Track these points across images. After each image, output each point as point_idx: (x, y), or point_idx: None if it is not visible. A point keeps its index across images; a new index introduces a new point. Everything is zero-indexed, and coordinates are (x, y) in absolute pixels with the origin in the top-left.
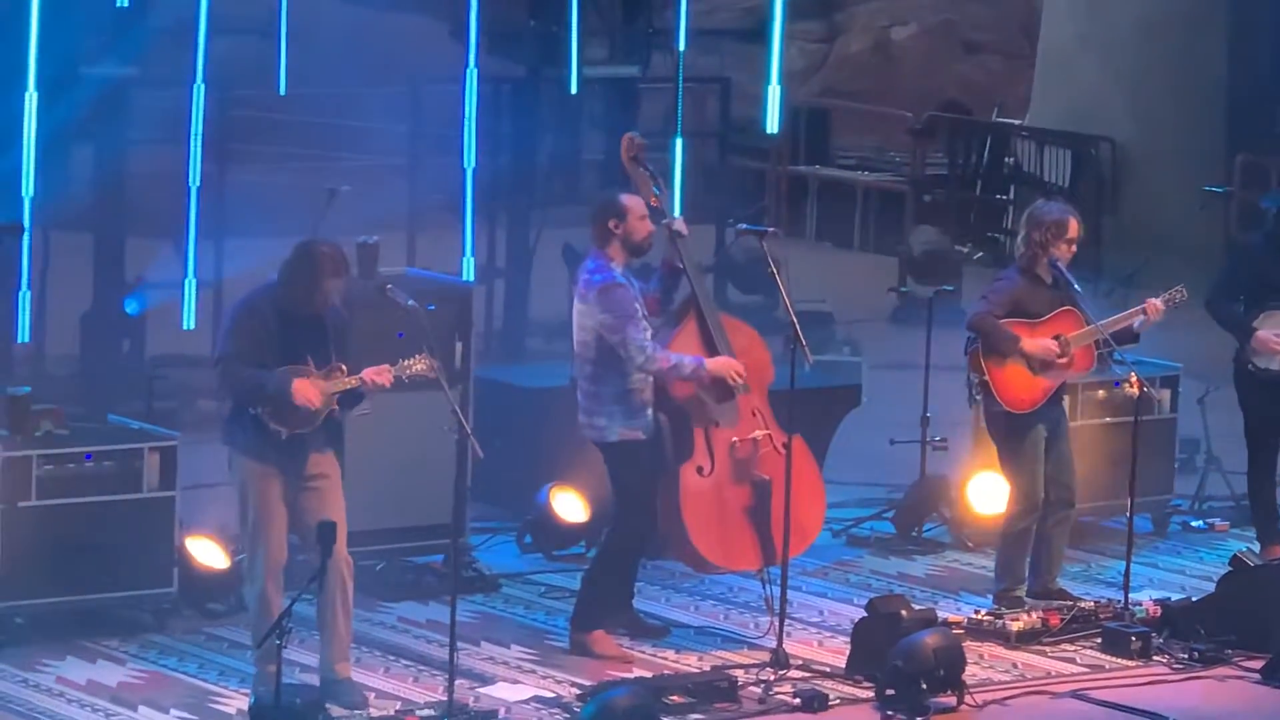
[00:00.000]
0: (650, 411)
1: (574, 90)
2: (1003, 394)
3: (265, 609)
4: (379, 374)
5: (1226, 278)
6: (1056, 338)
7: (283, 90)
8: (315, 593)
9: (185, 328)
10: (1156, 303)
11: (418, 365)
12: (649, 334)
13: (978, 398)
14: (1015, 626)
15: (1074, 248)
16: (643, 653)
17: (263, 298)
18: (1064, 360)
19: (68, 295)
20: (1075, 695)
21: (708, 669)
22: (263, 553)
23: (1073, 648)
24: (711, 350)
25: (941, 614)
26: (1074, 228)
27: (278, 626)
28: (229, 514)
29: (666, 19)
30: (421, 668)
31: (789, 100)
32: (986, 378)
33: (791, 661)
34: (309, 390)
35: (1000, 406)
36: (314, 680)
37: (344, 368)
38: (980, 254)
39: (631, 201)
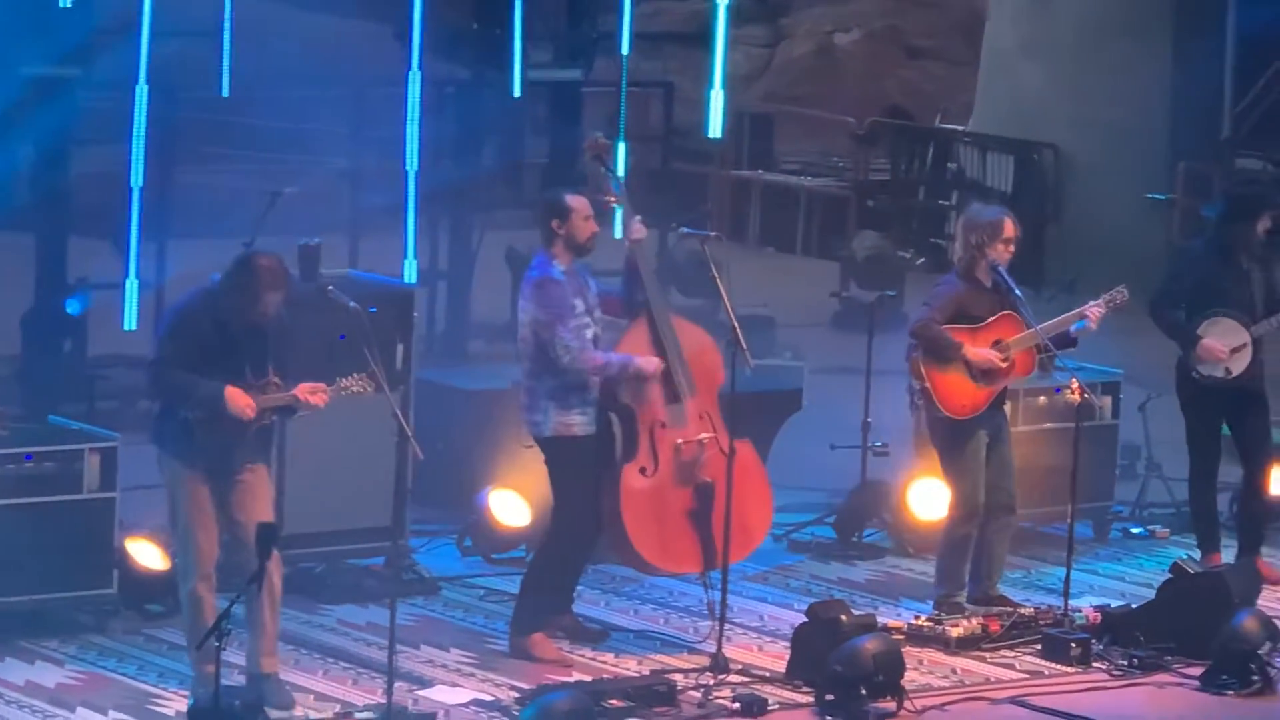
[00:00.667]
0: (592, 408)
1: (517, 94)
2: (944, 400)
3: (197, 609)
4: (313, 393)
5: (1169, 285)
6: (997, 343)
7: (226, 92)
8: (250, 592)
9: (126, 329)
10: (1096, 309)
11: (355, 385)
12: (590, 333)
13: (919, 404)
14: (955, 632)
15: (1011, 249)
16: (582, 656)
17: (200, 304)
18: (1005, 365)
19: (8, 295)
20: (1014, 701)
21: (647, 673)
22: (193, 552)
23: (1012, 654)
24: (659, 352)
25: (881, 619)
26: (1009, 228)
27: (217, 628)
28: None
29: (610, 23)
30: (360, 670)
31: (732, 105)
32: (928, 384)
33: (731, 666)
34: (242, 399)
35: (942, 413)
36: None
37: (279, 381)
38: (922, 259)
39: (576, 201)
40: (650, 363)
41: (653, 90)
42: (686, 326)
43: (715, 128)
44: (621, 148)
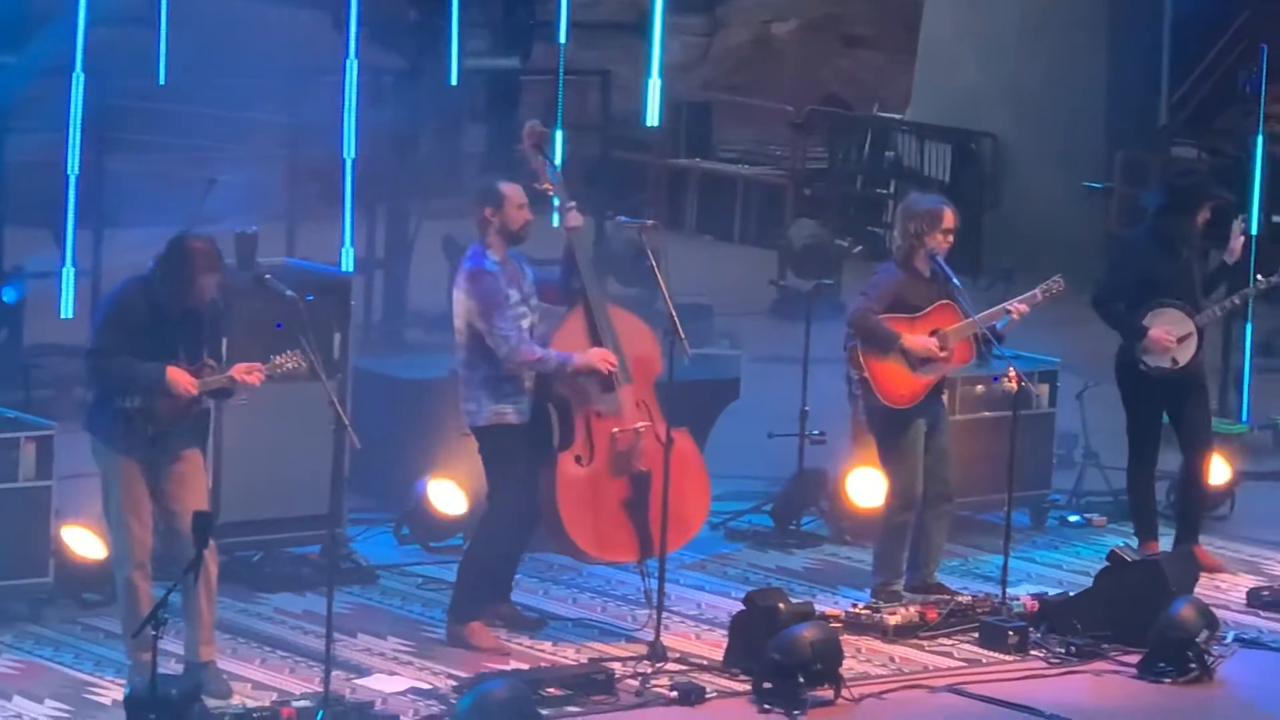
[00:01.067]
0: (527, 397)
1: (454, 82)
2: (882, 389)
3: (132, 596)
4: (249, 372)
5: (1111, 276)
6: (935, 332)
7: (162, 79)
8: (186, 581)
9: (63, 316)
10: (1022, 305)
11: (289, 363)
12: (527, 322)
13: (857, 393)
14: (893, 620)
15: (950, 239)
16: (520, 645)
17: (135, 290)
18: (943, 355)
19: None
20: (952, 690)
21: (585, 661)
22: (127, 541)
23: (950, 642)
24: (595, 341)
25: (819, 608)
26: (949, 218)
27: (153, 617)
28: None
29: (547, 11)
30: (298, 659)
31: (670, 93)
32: (866, 373)
33: (669, 654)
34: (184, 378)
35: (880, 402)
36: None
37: (214, 364)
38: (860, 248)
39: (509, 189)
40: (590, 356)
41: (590, 79)
42: (622, 315)
43: (653, 116)
44: (559, 136)
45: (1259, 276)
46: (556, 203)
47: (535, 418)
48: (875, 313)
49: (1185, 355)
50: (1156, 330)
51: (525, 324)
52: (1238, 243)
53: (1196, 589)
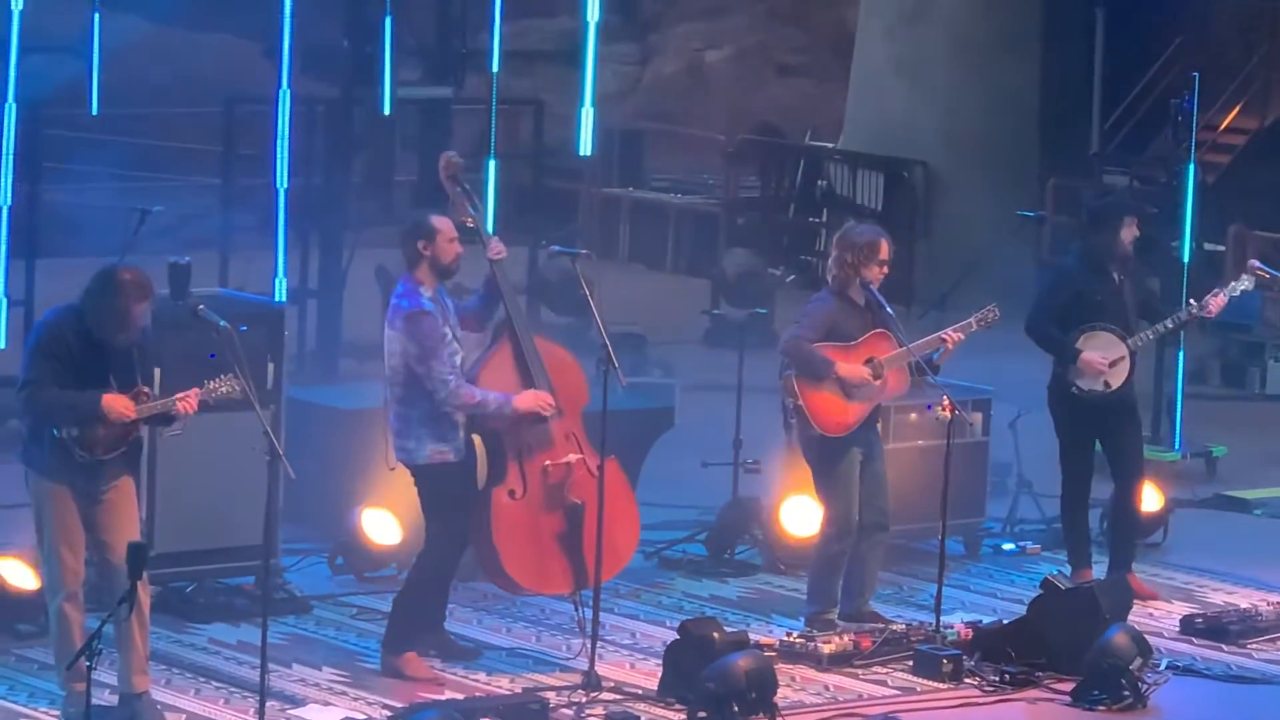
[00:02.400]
0: (461, 433)
1: (387, 111)
2: (817, 418)
3: (64, 627)
4: (185, 398)
5: (1043, 300)
6: (869, 360)
7: (95, 110)
8: (119, 612)
9: None
10: (956, 334)
11: (223, 387)
12: (459, 358)
13: (792, 421)
14: (827, 649)
15: (885, 269)
16: (454, 675)
17: (65, 320)
18: (877, 383)
19: None
20: (887, 718)
21: (519, 691)
22: (59, 571)
23: (884, 670)
24: (524, 374)
25: (753, 636)
26: (885, 249)
27: (87, 648)
28: None
29: (480, 40)
30: (233, 690)
31: (602, 122)
32: (800, 402)
33: (603, 684)
34: (120, 402)
35: (815, 430)
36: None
37: (148, 390)
38: (793, 276)
39: (440, 223)
40: (528, 399)
41: (523, 108)
42: (549, 346)
43: (585, 145)
44: (492, 165)
45: (1190, 301)
46: (480, 232)
47: (467, 454)
48: (809, 341)
49: (1117, 379)
50: (1089, 353)
51: (457, 360)
52: (1217, 301)
53: (1130, 616)
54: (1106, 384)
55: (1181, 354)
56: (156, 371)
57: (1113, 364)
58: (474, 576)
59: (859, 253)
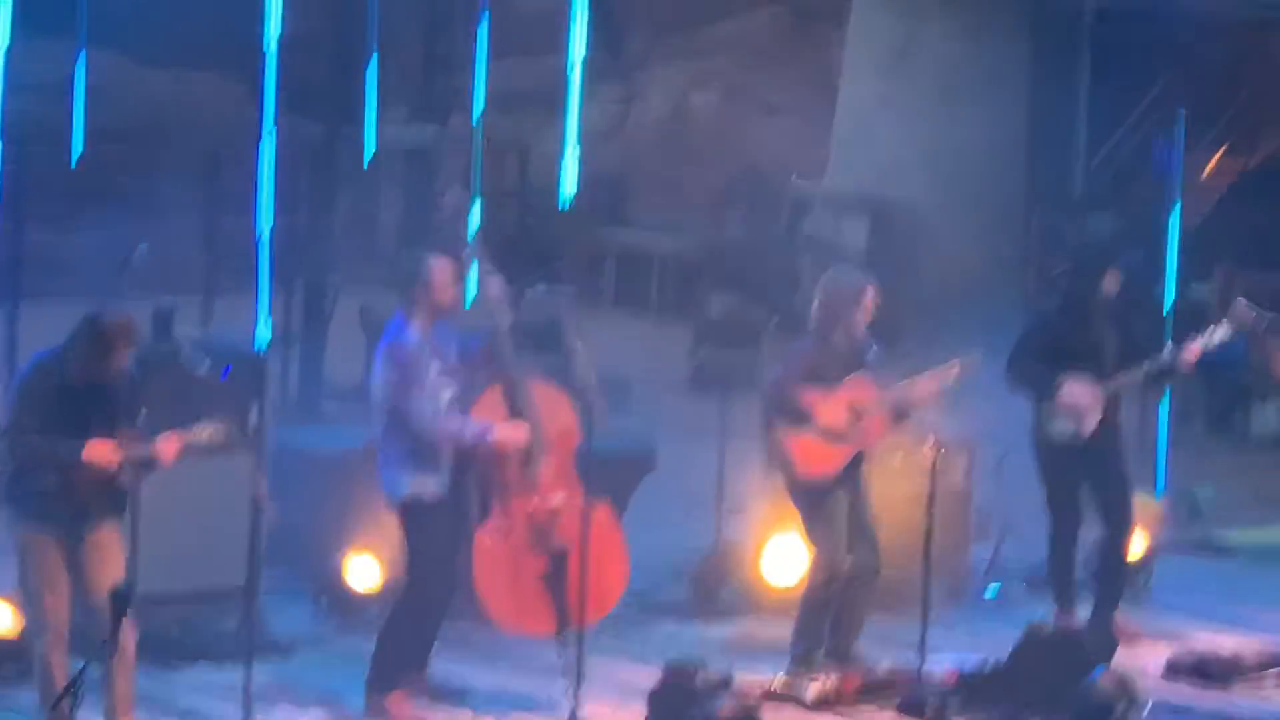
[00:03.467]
0: (444, 469)
1: (372, 151)
2: (800, 463)
3: (47, 670)
4: (167, 442)
5: (1021, 343)
6: (851, 405)
7: (79, 149)
8: (102, 653)
9: None
10: (953, 369)
11: (205, 433)
12: (448, 394)
13: (775, 465)
14: (811, 692)
15: (869, 315)
16: (440, 714)
17: (48, 366)
18: (860, 427)
19: None
20: None
21: None
22: (43, 614)
23: (869, 712)
24: (514, 414)
25: (738, 679)
26: (869, 295)
27: (69, 691)
28: None
29: (465, 80)
30: None
31: (587, 163)
32: (783, 447)
33: None
34: (101, 447)
35: (798, 475)
36: None
37: (132, 434)
38: (777, 320)
39: (438, 263)
40: (510, 432)
41: (507, 148)
42: (541, 387)
43: (569, 186)
44: (476, 206)
45: (1169, 345)
46: (475, 271)
47: (454, 490)
48: (790, 385)
49: (1088, 425)
50: (1072, 384)
51: (446, 395)
52: (1193, 350)
53: (1115, 659)
54: (1078, 431)
55: (1167, 397)
56: (141, 411)
57: (1086, 410)
58: (459, 615)
59: (844, 300)
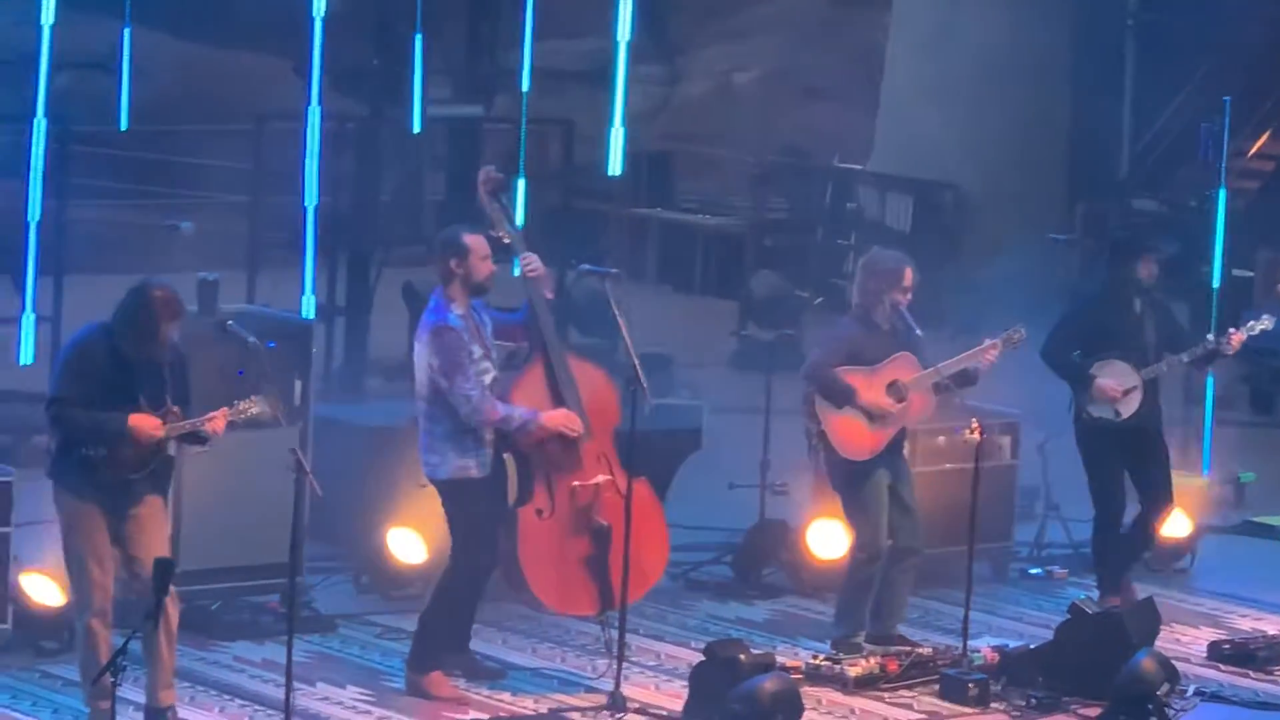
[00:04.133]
0: (488, 450)
1: (417, 129)
2: (841, 443)
3: (91, 645)
4: (213, 419)
5: (1061, 327)
6: (893, 384)
7: (124, 126)
8: (146, 627)
9: (23, 363)
10: (993, 349)
11: (253, 408)
12: (489, 377)
13: (817, 445)
14: (853, 672)
15: (909, 295)
16: (479, 694)
17: (95, 338)
18: (901, 407)
19: None
20: None
21: (544, 711)
22: (88, 588)
23: (910, 694)
24: (555, 393)
25: (779, 659)
26: (909, 276)
27: (112, 664)
28: None
29: (511, 60)
30: (257, 708)
31: (631, 143)
32: (824, 427)
33: (629, 705)
34: (148, 422)
35: (839, 455)
36: None
37: (178, 410)
38: (820, 299)
39: (473, 240)
40: (556, 418)
41: (552, 127)
42: (582, 366)
43: (614, 165)
44: (521, 185)
45: (1209, 336)
46: (515, 250)
47: (495, 471)
48: (831, 366)
49: (1129, 409)
50: (1103, 379)
51: (488, 379)
52: (1236, 338)
53: (1158, 642)
54: (1117, 412)
55: (1210, 379)
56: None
57: (1125, 393)
58: (501, 596)
59: (882, 279)
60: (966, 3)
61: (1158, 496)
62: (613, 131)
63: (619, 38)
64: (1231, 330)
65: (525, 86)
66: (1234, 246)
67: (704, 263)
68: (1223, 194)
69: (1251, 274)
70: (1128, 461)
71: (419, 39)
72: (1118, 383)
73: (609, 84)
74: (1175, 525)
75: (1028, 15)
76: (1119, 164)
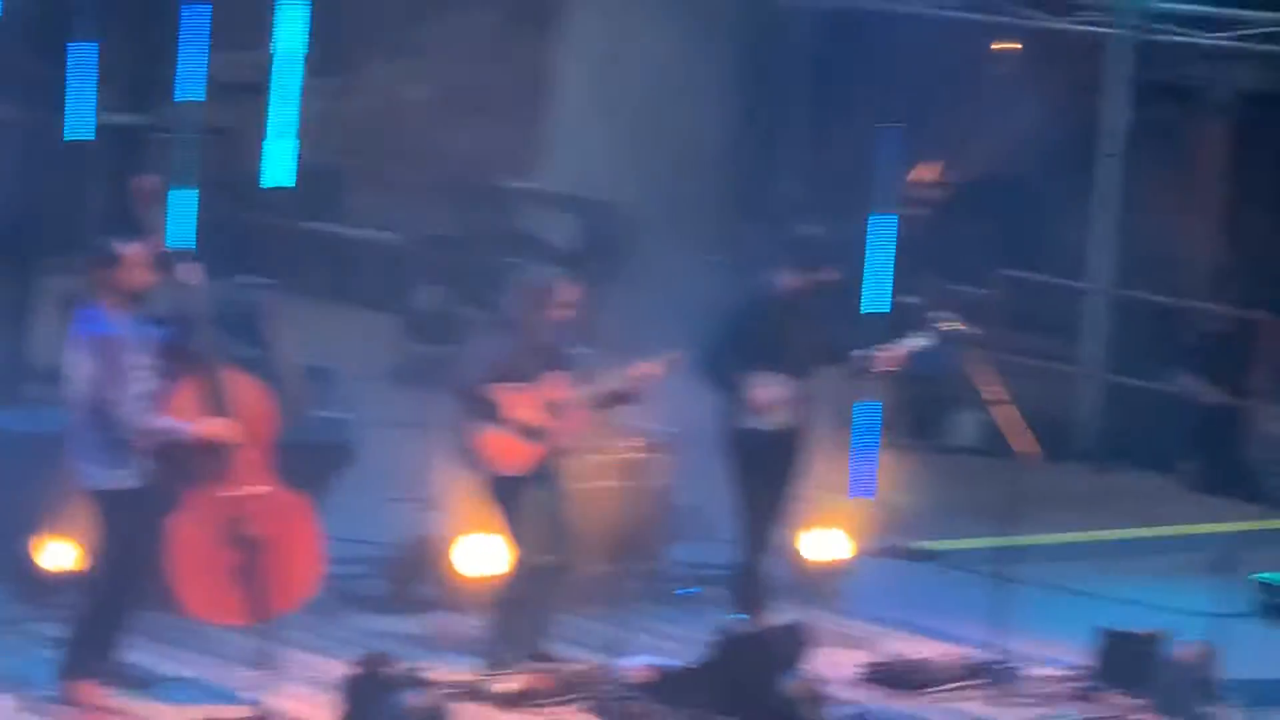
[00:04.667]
0: (142, 460)
1: (78, 136)
2: (493, 458)
3: None
4: None
5: (715, 340)
6: (547, 401)
7: None
8: None
9: None
10: (650, 369)
11: None
12: (146, 386)
13: (470, 461)
14: (504, 688)
15: (565, 312)
16: (129, 704)
17: None
18: (555, 424)
19: None
20: None
21: None
22: None
23: (562, 711)
24: (209, 404)
25: (431, 673)
26: (563, 293)
27: None
28: None
29: (178, 69)
30: None
31: (298, 155)
32: (477, 442)
33: (280, 717)
34: None
35: (491, 470)
36: None
37: None
38: (482, 315)
39: (130, 250)
40: (209, 429)
41: (219, 137)
42: (236, 377)
43: (280, 178)
44: (189, 196)
45: (857, 352)
46: (174, 260)
47: (149, 481)
48: (482, 381)
49: (775, 421)
50: (752, 391)
51: (144, 388)
52: (884, 355)
53: (807, 663)
54: (766, 424)
55: (871, 404)
56: None
57: (774, 405)
58: (153, 605)
59: (535, 296)
60: (637, 24)
61: (788, 511)
62: (279, 143)
63: (278, 48)
64: (879, 347)
65: (194, 96)
66: (900, 271)
67: (367, 277)
68: (891, 219)
69: (916, 299)
70: (772, 474)
71: (87, 45)
72: (767, 394)
73: (276, 95)
74: (830, 547)
75: (697, 38)
76: (784, 187)
